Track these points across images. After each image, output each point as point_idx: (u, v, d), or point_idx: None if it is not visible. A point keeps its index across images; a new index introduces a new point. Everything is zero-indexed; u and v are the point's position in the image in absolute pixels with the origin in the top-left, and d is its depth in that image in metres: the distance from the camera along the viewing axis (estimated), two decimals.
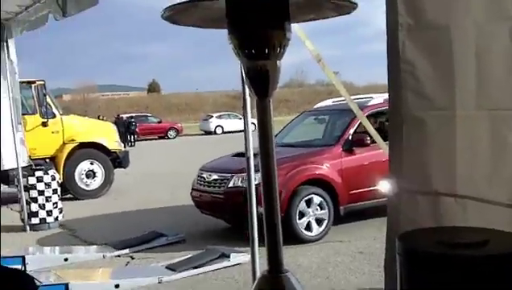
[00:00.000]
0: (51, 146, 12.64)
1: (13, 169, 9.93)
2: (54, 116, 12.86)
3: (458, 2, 3.11)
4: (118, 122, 29.78)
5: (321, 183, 7.93)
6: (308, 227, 7.69)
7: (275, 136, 9.56)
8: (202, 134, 42.89)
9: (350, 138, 8.31)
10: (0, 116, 6.89)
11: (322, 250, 7.14)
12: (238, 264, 6.52)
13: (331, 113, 9.54)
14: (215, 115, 45.94)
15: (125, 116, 39.19)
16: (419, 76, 3.23)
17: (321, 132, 9.68)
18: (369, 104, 8.87)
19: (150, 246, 7.66)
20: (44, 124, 12.63)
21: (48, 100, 12.83)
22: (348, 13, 2.28)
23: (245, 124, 4.85)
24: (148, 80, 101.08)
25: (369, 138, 8.00)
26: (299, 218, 7.61)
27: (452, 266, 2.32)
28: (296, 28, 4.60)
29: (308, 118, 10.58)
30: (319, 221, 7.80)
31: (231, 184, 7.75)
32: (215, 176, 8.09)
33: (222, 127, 43.19)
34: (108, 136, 13.47)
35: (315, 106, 10.71)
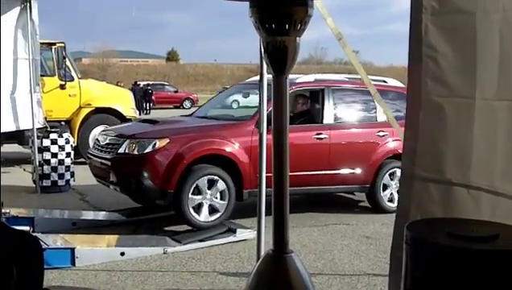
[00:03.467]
0: (67, 109, 12.68)
1: (28, 130, 9.97)
2: (72, 79, 12.87)
3: None
4: (135, 89, 29.79)
5: (224, 162, 7.04)
6: (199, 211, 6.90)
7: (203, 105, 9.19)
8: None
9: (268, 115, 7.52)
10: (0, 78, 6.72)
11: (328, 232, 7.11)
12: (244, 240, 6.52)
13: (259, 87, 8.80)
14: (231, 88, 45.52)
15: (142, 83, 39.12)
16: (440, 62, 3.16)
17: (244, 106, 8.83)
18: (297, 81, 8.10)
19: (158, 216, 7.68)
20: (62, 86, 12.65)
21: (67, 63, 12.83)
22: None
23: (261, 99, 4.81)
24: (168, 48, 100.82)
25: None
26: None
27: (460, 259, 2.28)
28: (318, 5, 4.52)
29: (239, 91, 9.88)
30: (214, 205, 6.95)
31: (121, 150, 7.00)
32: (108, 140, 7.37)
33: (238, 102, 42.73)
34: (124, 103, 13.48)
35: (251, 79, 9.53)
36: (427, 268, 2.35)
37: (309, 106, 8.22)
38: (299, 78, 8.28)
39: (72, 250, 5.68)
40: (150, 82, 43.30)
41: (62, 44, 12.71)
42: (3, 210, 6.10)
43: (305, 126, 7.80)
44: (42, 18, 10.34)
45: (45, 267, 4.56)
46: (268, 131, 7.02)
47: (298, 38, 2.93)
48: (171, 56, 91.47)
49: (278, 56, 2.93)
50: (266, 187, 7.13)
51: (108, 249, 6.12)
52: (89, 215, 7.73)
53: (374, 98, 5.33)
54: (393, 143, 7.84)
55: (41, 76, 11.03)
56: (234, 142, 7.11)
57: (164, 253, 6.06)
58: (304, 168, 7.32)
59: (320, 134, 7.72)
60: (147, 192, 6.93)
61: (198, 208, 6.88)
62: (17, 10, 10.15)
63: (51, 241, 5.98)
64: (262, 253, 4.29)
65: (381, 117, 7.70)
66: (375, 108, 7.99)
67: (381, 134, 7.94)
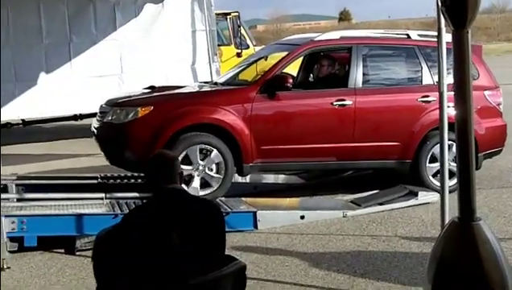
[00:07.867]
0: None
1: None
2: (247, 47, 13.25)
3: None
4: None
5: (220, 132, 6.35)
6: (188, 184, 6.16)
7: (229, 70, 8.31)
8: None
9: (272, 79, 6.55)
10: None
11: None
12: (426, 204, 6.27)
13: (284, 47, 7.52)
14: None
15: None
16: None
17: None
18: (318, 39, 7.06)
19: (336, 178, 7.66)
20: (238, 55, 13.07)
21: (242, 31, 13.21)
22: None
23: (439, 56, 4.52)
24: (340, 8, 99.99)
25: (291, 80, 6.68)
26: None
27: None
28: None
29: (266, 52, 8.80)
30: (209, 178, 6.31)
31: (107, 118, 6.60)
32: (102, 108, 6.93)
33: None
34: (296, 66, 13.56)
35: (287, 38, 8.69)
36: None
37: (338, 67, 7.18)
38: (321, 35, 7.24)
39: (254, 213, 5.88)
40: None
41: (236, 14, 13.10)
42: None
43: (327, 91, 6.79)
44: None
45: (229, 229, 4.78)
46: (273, 96, 6.43)
47: None
48: (344, 16, 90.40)
49: (458, 8, 2.71)
50: (276, 159, 6.42)
51: (288, 212, 6.23)
52: (270, 179, 7.92)
53: None
54: None
55: (218, 45, 11.49)
56: (229, 109, 6.40)
57: (344, 216, 6.05)
58: (322, 140, 6.62)
59: (344, 100, 6.64)
60: (130, 165, 6.58)
61: (188, 181, 6.16)
62: None
63: (234, 205, 6.23)
64: (447, 218, 4.08)
65: (428, 79, 6.72)
66: (420, 69, 6.87)
67: (426, 99, 6.68)
